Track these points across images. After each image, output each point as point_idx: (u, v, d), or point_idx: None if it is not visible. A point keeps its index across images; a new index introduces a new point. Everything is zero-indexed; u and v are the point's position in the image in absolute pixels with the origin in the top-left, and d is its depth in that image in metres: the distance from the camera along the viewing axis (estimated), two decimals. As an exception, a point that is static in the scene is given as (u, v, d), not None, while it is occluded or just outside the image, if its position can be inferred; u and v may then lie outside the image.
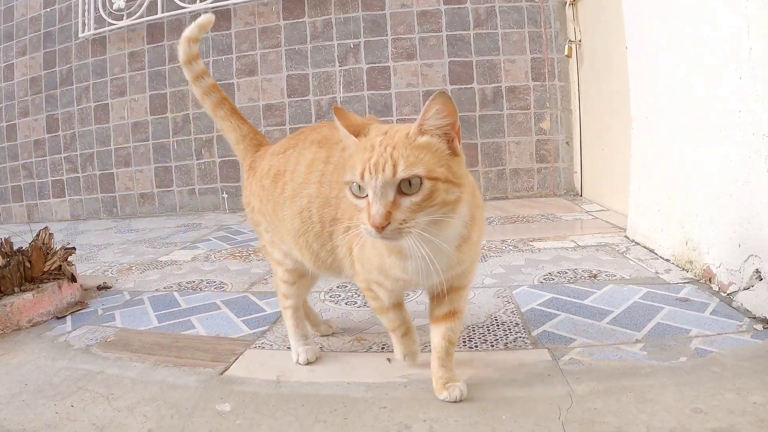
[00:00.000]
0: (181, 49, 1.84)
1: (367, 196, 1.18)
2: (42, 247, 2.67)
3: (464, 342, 1.86)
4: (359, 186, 1.20)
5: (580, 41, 4.56)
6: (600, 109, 4.21)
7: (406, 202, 1.16)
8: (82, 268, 3.02)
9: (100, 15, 5.50)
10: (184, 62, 1.85)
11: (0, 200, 6.26)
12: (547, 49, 4.80)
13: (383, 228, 1.15)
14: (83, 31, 5.60)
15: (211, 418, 1.48)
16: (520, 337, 1.86)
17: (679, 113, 2.50)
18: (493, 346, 1.82)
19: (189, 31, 1.81)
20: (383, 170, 1.15)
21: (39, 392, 1.74)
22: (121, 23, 5.43)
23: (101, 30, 5.54)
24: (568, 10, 4.69)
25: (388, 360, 1.75)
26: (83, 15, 5.58)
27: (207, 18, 1.82)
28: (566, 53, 4.69)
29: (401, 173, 1.14)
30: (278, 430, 1.39)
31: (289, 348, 1.84)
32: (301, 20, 5.06)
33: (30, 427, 1.52)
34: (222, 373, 1.75)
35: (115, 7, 5.39)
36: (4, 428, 1.53)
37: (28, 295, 2.42)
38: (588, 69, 4.48)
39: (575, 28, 4.60)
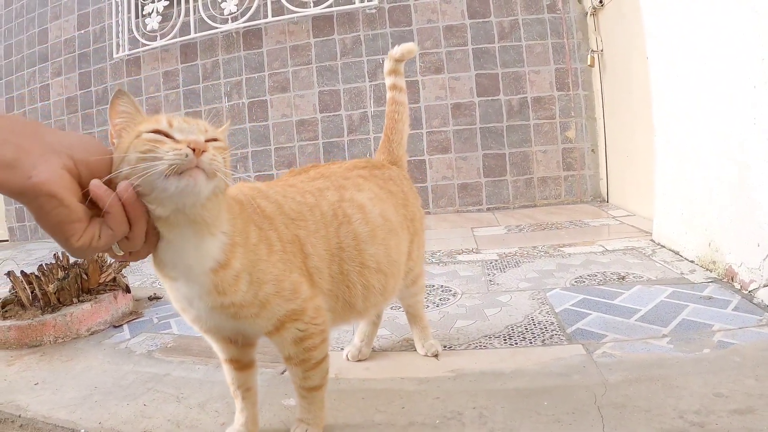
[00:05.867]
0: (387, 63, 1.92)
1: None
2: (97, 260, 2.83)
3: (504, 340, 2.01)
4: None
5: (602, 51, 4.65)
6: (623, 117, 4.31)
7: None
8: (129, 279, 3.16)
9: (134, 36, 5.66)
10: (386, 73, 1.95)
11: (38, 217, 6.40)
12: (570, 60, 4.89)
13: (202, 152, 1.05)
14: (117, 52, 5.76)
15: (279, 412, 1.62)
16: (556, 335, 2.00)
17: (700, 121, 2.61)
18: (531, 342, 1.96)
19: (394, 51, 1.88)
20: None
21: (109, 393, 1.87)
22: (154, 44, 5.57)
23: (135, 51, 5.70)
24: (590, 21, 4.78)
25: (436, 357, 1.90)
26: (117, 36, 5.74)
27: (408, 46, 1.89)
28: (589, 63, 4.77)
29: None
30: (343, 421, 1.54)
31: (341, 349, 1.99)
32: (330, 38, 5.18)
33: (107, 425, 1.64)
34: (282, 373, 1.88)
35: (148, 28, 5.54)
36: (81, 426, 1.66)
37: (87, 306, 2.57)
38: (611, 77, 4.57)
39: (597, 38, 4.69)
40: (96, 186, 1.00)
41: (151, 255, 1.16)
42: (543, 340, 1.97)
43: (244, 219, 1.26)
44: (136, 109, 1.13)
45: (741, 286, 2.26)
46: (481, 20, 4.96)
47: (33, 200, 0.90)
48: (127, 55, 5.76)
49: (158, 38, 5.55)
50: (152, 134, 1.06)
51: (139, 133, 1.06)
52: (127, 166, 1.02)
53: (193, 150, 1.03)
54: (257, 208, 1.32)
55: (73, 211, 0.94)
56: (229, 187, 1.19)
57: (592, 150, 4.91)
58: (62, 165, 0.93)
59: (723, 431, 1.30)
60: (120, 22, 5.71)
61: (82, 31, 6.07)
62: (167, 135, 1.06)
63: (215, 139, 1.12)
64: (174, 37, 5.48)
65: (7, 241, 6.64)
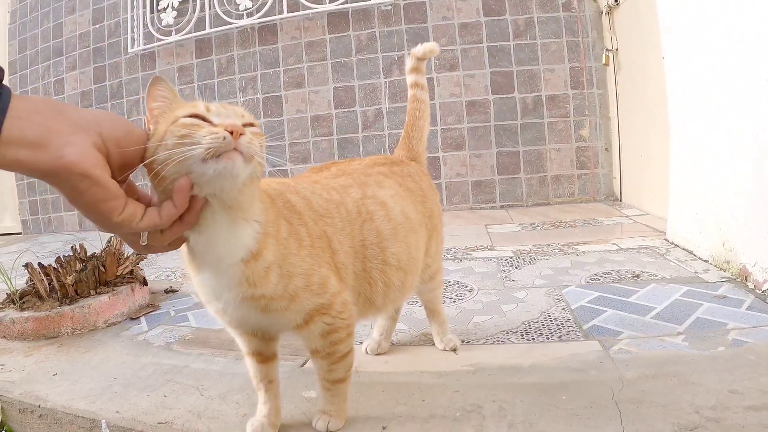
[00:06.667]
0: (409, 61, 1.93)
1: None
2: (115, 253, 2.86)
3: (521, 335, 2.03)
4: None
5: (617, 49, 4.66)
6: (637, 116, 4.31)
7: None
8: (145, 272, 3.19)
9: (149, 31, 5.70)
10: (407, 71, 1.96)
11: (53, 210, 6.47)
12: (585, 58, 4.89)
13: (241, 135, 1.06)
14: (132, 47, 5.80)
15: (300, 403, 1.64)
16: (572, 331, 2.03)
17: (715, 120, 2.62)
18: (548, 338, 1.99)
19: (417, 50, 1.90)
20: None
21: (129, 385, 1.89)
22: (169, 39, 5.61)
23: (150, 45, 5.73)
24: (605, 20, 4.78)
25: (455, 351, 1.93)
26: (132, 31, 5.79)
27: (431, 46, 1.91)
28: (604, 62, 4.77)
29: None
30: (364, 413, 1.56)
31: (360, 343, 2.01)
32: (345, 34, 5.20)
33: (127, 415, 1.67)
34: (302, 366, 1.91)
35: (163, 23, 5.58)
36: (102, 417, 1.68)
37: (104, 297, 2.60)
38: (625, 76, 4.58)
39: (612, 37, 4.69)
40: (186, 182, 1.04)
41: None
42: (560, 336, 1.99)
43: (275, 212, 1.27)
44: (174, 95, 1.14)
45: (755, 286, 2.27)
46: (496, 18, 4.96)
47: (65, 180, 0.89)
48: (142, 50, 5.80)
49: (173, 33, 5.58)
50: (190, 119, 1.06)
51: (177, 118, 1.07)
52: (164, 151, 1.03)
53: (231, 133, 1.04)
54: (287, 203, 1.34)
55: (107, 189, 0.93)
56: (264, 173, 1.20)
57: (606, 149, 4.91)
58: (92, 142, 0.92)
59: (738, 427, 1.31)
60: (135, 17, 5.76)
61: (97, 26, 6.11)
62: (205, 119, 1.07)
63: (251, 125, 1.13)
64: (189, 32, 5.51)
65: (20, 234, 6.70)
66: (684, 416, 1.38)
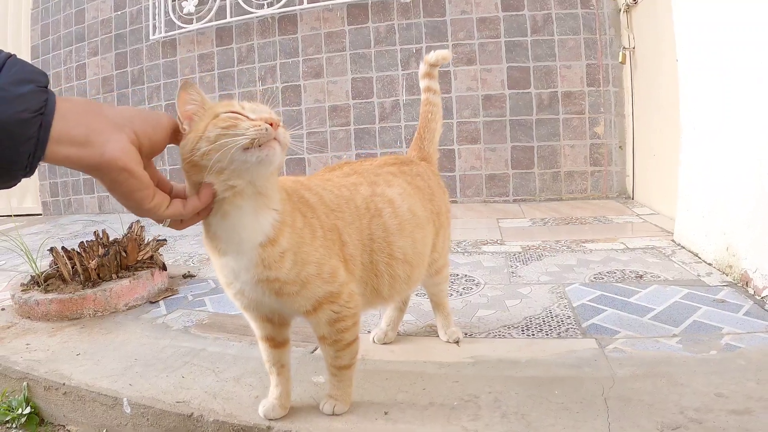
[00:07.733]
0: (422, 66, 2.01)
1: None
2: (136, 239, 2.96)
3: (522, 330, 2.11)
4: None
5: (634, 48, 4.67)
6: (652, 115, 4.33)
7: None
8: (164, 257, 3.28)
9: (170, 19, 5.76)
10: (420, 76, 2.04)
11: (73, 192, 6.59)
12: (602, 56, 4.89)
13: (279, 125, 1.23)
14: (154, 34, 5.88)
15: (309, 387, 1.74)
16: (572, 328, 2.10)
17: (725, 125, 2.66)
18: (547, 334, 2.06)
19: (429, 57, 1.97)
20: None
21: (149, 365, 2.00)
22: (190, 27, 5.67)
23: (171, 33, 5.81)
24: (623, 18, 4.79)
25: (457, 343, 2.01)
26: (153, 18, 5.86)
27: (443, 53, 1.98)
28: (620, 60, 4.77)
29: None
30: (368, 398, 1.65)
31: (369, 332, 2.10)
32: (365, 26, 5.24)
33: (147, 394, 1.77)
34: (312, 352, 2.01)
35: (185, 11, 5.63)
36: (123, 395, 1.79)
37: (125, 282, 2.70)
38: (641, 75, 4.59)
39: (629, 35, 4.70)
40: (210, 188, 1.22)
41: (203, 231, 1.33)
42: (559, 333, 2.07)
43: (291, 206, 1.39)
44: (203, 98, 1.27)
45: (754, 292, 2.32)
46: (514, 13, 4.97)
47: (107, 174, 1.01)
48: (163, 37, 5.88)
49: (194, 21, 5.64)
50: (231, 113, 1.21)
51: (217, 114, 1.21)
52: (206, 144, 1.18)
53: (270, 125, 1.19)
54: (302, 198, 1.45)
55: (142, 181, 1.06)
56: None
57: (620, 147, 4.92)
58: (128, 139, 1.03)
59: (719, 429, 1.38)
60: (156, 4, 5.83)
61: (119, 13, 6.19)
62: (242, 115, 1.21)
63: None
64: (210, 20, 5.57)
65: (40, 215, 6.81)
66: (668, 416, 1.45)
